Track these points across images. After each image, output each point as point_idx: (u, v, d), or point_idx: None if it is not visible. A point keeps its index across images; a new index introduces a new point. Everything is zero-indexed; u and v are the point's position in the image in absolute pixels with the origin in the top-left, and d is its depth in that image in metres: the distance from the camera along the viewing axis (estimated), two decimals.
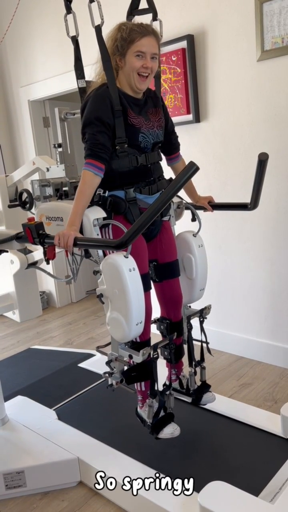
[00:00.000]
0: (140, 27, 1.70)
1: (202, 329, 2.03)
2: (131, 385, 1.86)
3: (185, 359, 2.09)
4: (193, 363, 2.02)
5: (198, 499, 1.53)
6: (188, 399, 2.07)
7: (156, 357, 1.77)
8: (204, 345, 2.04)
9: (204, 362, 2.07)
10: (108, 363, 1.82)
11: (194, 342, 2.04)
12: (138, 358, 1.71)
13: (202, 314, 2.05)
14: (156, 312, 1.99)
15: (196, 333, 2.04)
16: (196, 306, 2.13)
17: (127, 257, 1.60)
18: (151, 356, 1.75)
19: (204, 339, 2.02)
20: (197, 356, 2.05)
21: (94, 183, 1.67)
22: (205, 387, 2.05)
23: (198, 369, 2.05)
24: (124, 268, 1.57)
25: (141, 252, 1.79)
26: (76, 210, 1.64)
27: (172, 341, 1.93)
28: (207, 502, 1.52)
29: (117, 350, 1.80)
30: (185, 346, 2.06)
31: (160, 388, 1.88)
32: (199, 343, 2.04)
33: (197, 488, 1.63)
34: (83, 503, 1.88)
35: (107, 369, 1.82)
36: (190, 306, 2.12)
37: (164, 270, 1.96)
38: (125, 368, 1.81)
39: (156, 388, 1.80)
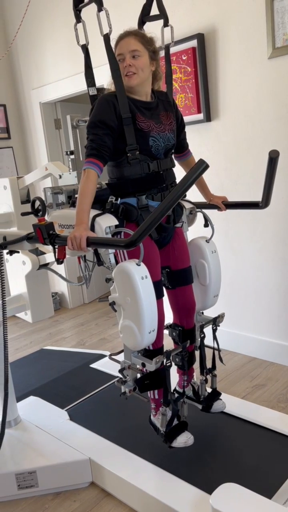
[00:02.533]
0: (121, 33, 1.74)
1: (214, 337, 2.02)
2: (144, 393, 1.84)
3: (195, 366, 2.08)
4: (204, 370, 2.01)
5: (210, 501, 1.53)
6: (198, 406, 2.05)
7: (169, 366, 1.76)
8: (216, 352, 2.02)
9: (215, 370, 2.05)
10: (121, 371, 1.81)
11: (205, 349, 2.02)
12: (151, 366, 1.70)
13: (215, 322, 2.03)
14: (168, 318, 1.98)
15: (208, 340, 2.03)
16: (210, 311, 2.11)
17: (139, 265, 1.59)
18: (164, 364, 1.74)
19: (216, 347, 2.00)
20: (208, 363, 2.03)
21: (97, 182, 1.69)
22: (215, 394, 2.04)
23: (209, 377, 2.04)
24: (136, 276, 1.56)
25: (154, 259, 1.78)
26: (83, 207, 1.63)
27: (185, 348, 1.91)
28: (219, 504, 1.51)
29: (130, 358, 1.80)
30: (197, 353, 2.05)
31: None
32: (211, 350, 2.02)
33: (209, 489, 1.61)
34: (95, 504, 1.88)
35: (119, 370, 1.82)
36: (203, 313, 2.10)
37: (177, 277, 1.94)
38: (138, 376, 1.80)
39: (169, 397, 1.78)
